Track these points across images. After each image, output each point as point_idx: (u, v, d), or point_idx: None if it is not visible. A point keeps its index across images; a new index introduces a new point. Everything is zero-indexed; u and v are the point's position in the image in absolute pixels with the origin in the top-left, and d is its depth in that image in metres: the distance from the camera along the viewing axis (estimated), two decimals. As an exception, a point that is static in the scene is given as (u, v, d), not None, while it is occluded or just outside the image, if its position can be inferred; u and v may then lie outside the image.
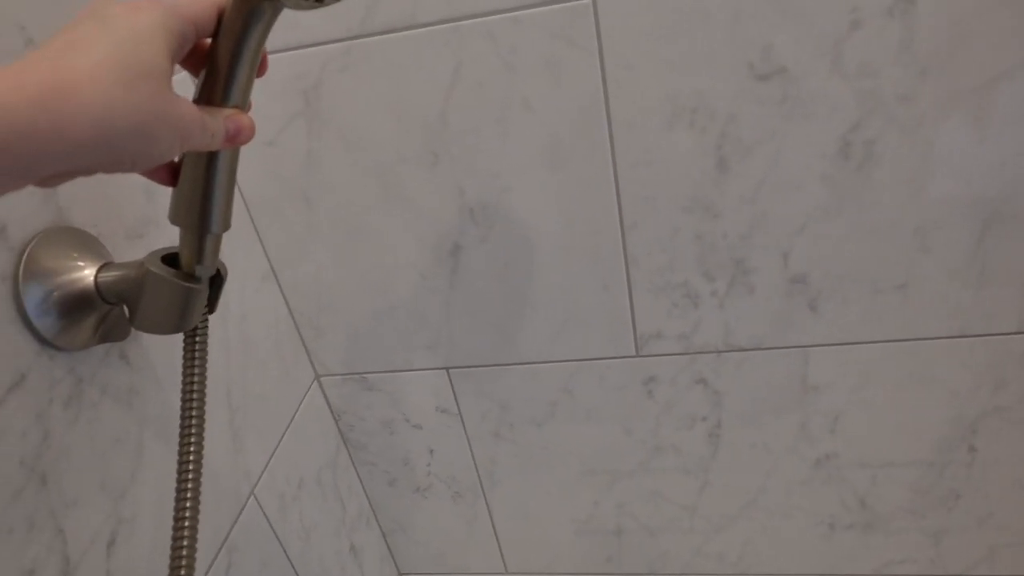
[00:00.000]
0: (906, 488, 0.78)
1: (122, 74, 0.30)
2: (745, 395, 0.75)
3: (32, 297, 0.45)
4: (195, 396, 0.49)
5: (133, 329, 0.51)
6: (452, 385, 0.80)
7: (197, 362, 0.49)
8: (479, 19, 0.59)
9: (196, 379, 0.49)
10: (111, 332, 0.50)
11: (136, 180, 0.57)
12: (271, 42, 0.62)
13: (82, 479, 0.49)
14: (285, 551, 0.73)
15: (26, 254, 0.45)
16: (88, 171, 0.32)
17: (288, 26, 0.61)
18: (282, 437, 0.74)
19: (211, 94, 0.37)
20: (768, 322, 0.70)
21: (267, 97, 0.65)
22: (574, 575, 0.96)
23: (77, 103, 0.28)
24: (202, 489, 0.56)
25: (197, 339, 0.49)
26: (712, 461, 0.81)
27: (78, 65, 0.29)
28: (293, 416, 0.77)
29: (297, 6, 0.36)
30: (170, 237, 0.59)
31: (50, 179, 0.32)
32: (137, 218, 0.56)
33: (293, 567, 0.74)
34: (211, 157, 0.40)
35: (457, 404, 0.82)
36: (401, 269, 0.73)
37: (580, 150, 0.63)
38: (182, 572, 0.46)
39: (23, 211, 0.45)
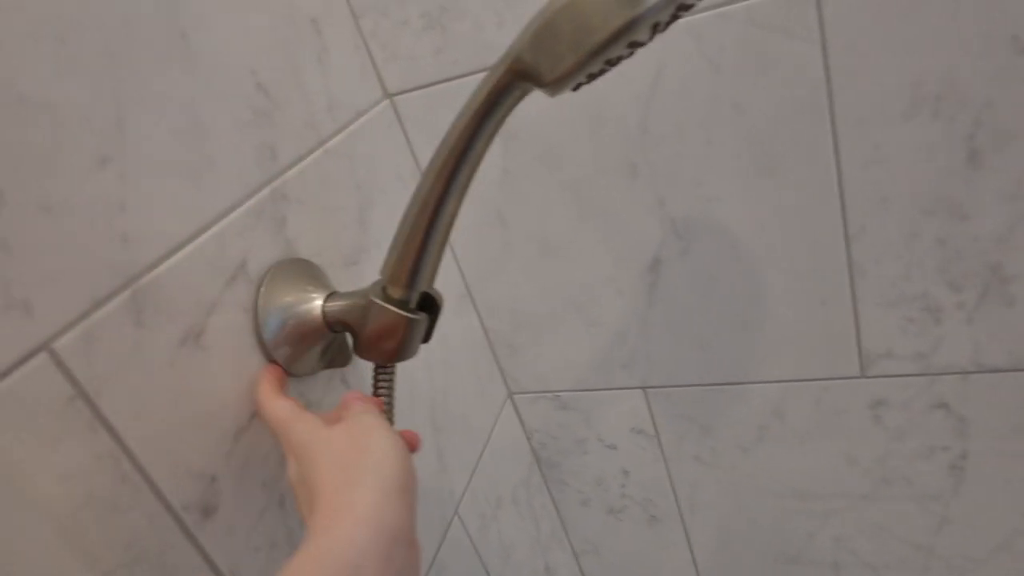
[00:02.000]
0: None
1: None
2: (999, 423, 0.64)
3: (269, 327, 0.47)
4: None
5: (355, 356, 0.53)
6: (649, 405, 0.77)
7: (383, 391, 0.48)
8: (683, 18, 0.55)
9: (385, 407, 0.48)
10: (335, 359, 0.52)
11: (351, 211, 0.59)
12: (464, 64, 0.62)
13: (312, 500, 0.51)
14: (487, 570, 0.73)
15: (263, 286, 0.47)
16: None
17: (478, 47, 0.61)
18: (481, 456, 0.75)
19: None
20: (1032, 338, 0.59)
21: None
22: (783, 611, 0.88)
23: None
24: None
25: (383, 377, 0.48)
26: (954, 497, 0.70)
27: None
28: (490, 435, 0.77)
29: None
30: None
31: None
32: (352, 246, 0.58)
33: (494, 586, 0.74)
34: (431, 222, 0.41)
35: (654, 425, 0.78)
36: (598, 286, 0.70)
37: (797, 151, 0.57)
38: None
39: (260, 244, 0.48)
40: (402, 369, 0.62)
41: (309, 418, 0.41)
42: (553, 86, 0.35)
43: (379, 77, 0.65)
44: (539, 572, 0.85)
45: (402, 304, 0.45)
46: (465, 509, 0.70)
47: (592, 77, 0.35)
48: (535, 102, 0.63)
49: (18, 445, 0.33)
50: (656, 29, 0.33)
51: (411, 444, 0.43)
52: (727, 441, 0.76)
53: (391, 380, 0.48)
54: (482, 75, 0.60)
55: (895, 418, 0.68)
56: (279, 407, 0.42)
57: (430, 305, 0.47)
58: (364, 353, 0.47)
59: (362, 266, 0.59)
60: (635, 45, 0.33)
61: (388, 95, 0.66)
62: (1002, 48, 0.49)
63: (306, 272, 0.51)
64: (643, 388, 0.76)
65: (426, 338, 0.48)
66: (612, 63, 0.34)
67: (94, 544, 0.36)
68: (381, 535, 0.32)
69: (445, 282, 0.73)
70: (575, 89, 0.36)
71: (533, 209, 0.68)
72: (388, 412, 0.48)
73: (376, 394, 0.48)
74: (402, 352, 0.46)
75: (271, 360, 0.47)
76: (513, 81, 0.36)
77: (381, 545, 0.32)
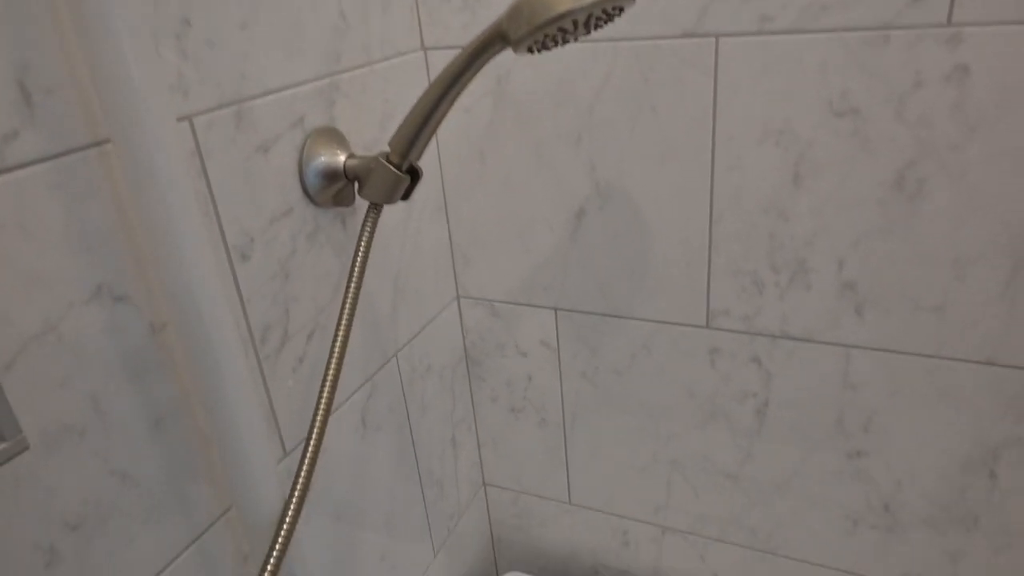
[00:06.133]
0: (927, 501, 0.88)
1: None
2: (792, 381, 0.90)
3: (308, 162, 0.72)
4: (362, 252, 0.72)
5: (357, 200, 0.78)
6: (557, 324, 1.01)
7: (369, 223, 0.72)
8: (631, 42, 0.80)
9: (365, 240, 0.72)
10: (342, 200, 0.77)
11: (377, 115, 0.84)
12: (483, 37, 0.87)
13: (307, 289, 0.75)
14: (407, 409, 0.97)
15: (310, 136, 0.72)
16: None
17: (497, 28, 0.86)
18: (424, 327, 0.99)
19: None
20: (819, 318, 0.85)
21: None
22: (624, 518, 1.12)
23: None
24: (364, 334, 0.80)
25: (371, 215, 0.72)
26: (757, 436, 0.95)
27: None
28: (435, 317, 1.02)
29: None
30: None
31: None
32: (371, 138, 0.83)
33: (409, 423, 0.98)
34: (427, 116, 0.65)
35: (558, 341, 1.03)
36: (537, 222, 0.95)
37: (688, 151, 0.83)
38: (332, 366, 0.68)
39: (315, 110, 0.73)
40: (382, 237, 0.87)
41: None
42: (514, 44, 0.59)
43: (420, 32, 0.90)
44: (446, 440, 1.09)
45: (397, 167, 0.70)
46: (403, 357, 0.95)
47: (544, 47, 0.59)
48: (524, 75, 0.88)
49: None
50: (589, 21, 0.57)
51: None
52: (607, 363, 1.01)
53: (377, 217, 0.73)
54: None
55: (724, 364, 0.93)
56: None
57: (414, 173, 0.72)
58: (365, 193, 0.72)
59: (373, 152, 0.84)
60: (576, 27, 0.58)
61: (424, 48, 0.91)
62: (822, 108, 0.75)
63: (339, 139, 0.76)
64: (554, 309, 1.00)
65: (406, 195, 0.73)
66: (557, 40, 0.59)
67: (183, 241, 0.60)
68: None
69: (429, 194, 0.98)
70: (531, 51, 0.61)
71: (505, 153, 0.94)
72: (368, 241, 0.72)
73: (363, 224, 0.72)
74: (388, 197, 0.71)
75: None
76: (494, 37, 0.61)
77: None
